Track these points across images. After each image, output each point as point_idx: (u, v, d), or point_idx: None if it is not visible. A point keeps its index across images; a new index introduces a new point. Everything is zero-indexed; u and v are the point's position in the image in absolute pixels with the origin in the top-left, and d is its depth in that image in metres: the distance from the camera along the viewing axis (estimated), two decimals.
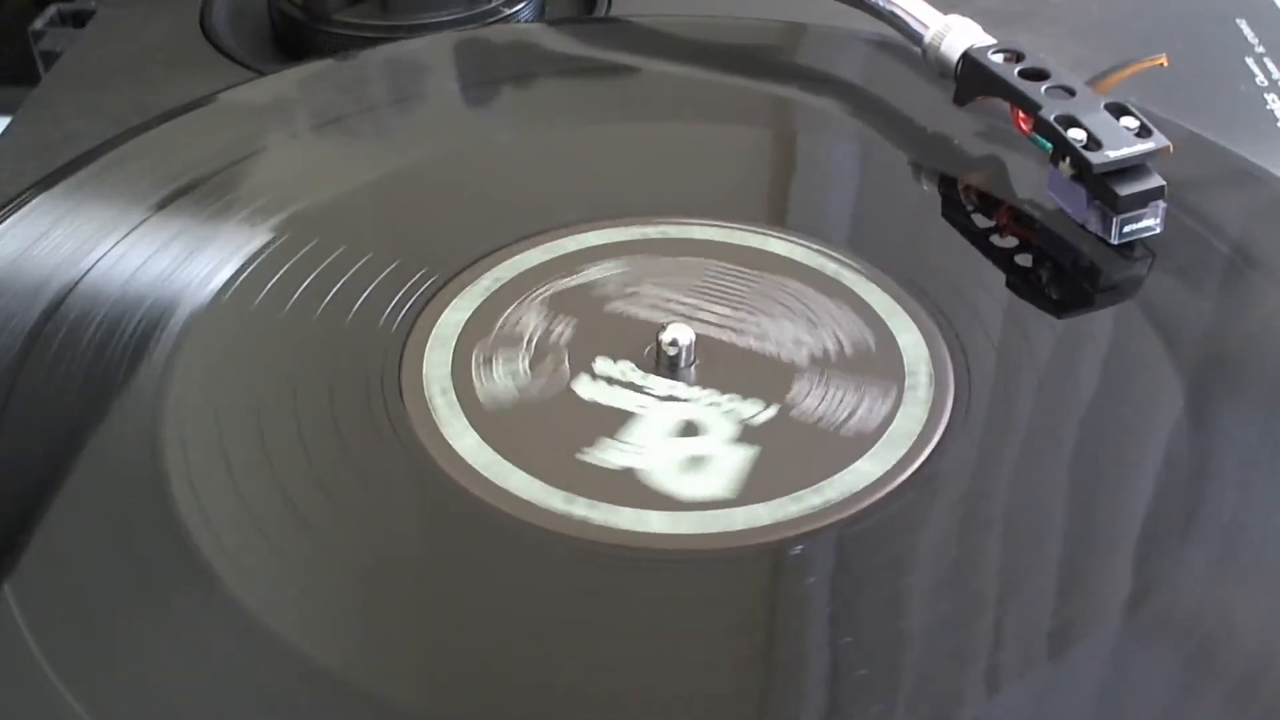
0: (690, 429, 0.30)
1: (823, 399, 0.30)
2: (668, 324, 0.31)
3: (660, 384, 0.31)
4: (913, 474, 0.29)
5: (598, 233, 0.36)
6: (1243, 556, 0.27)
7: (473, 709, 0.25)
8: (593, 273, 0.34)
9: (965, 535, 0.28)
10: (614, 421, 0.30)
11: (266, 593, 0.26)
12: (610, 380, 0.31)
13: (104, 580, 0.26)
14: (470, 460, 0.29)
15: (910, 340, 0.32)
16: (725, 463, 0.29)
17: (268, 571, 0.27)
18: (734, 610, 0.26)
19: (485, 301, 0.33)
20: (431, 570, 0.28)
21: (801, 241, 0.36)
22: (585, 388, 0.31)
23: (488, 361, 0.32)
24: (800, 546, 0.27)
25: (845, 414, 0.30)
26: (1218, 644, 0.25)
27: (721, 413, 0.30)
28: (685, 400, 0.31)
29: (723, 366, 0.31)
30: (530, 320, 0.33)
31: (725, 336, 0.32)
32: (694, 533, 0.27)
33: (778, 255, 0.35)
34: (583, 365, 0.32)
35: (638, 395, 0.31)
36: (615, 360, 0.32)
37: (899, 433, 0.30)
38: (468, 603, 0.26)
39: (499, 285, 0.34)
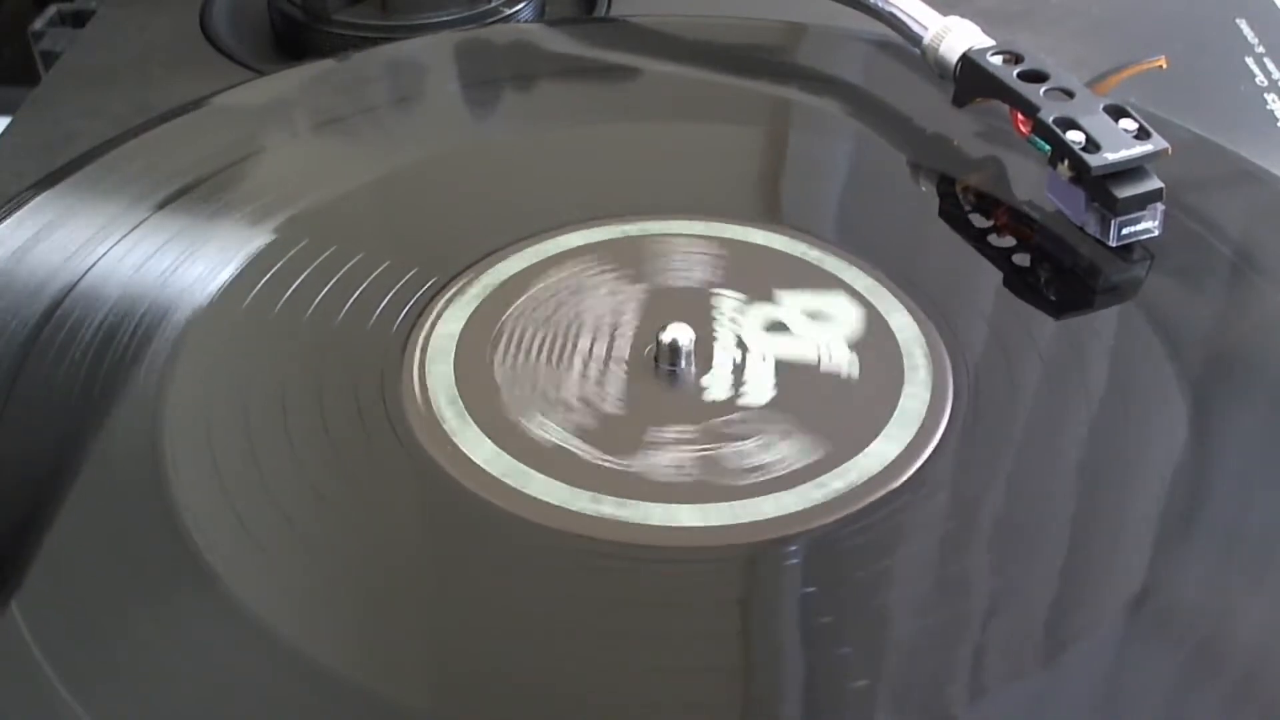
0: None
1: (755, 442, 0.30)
2: (667, 324, 0.32)
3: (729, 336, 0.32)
4: (913, 474, 0.29)
5: (597, 233, 0.36)
6: (1243, 557, 0.27)
7: (474, 710, 0.25)
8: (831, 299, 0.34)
9: (966, 538, 0.28)
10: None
11: (267, 594, 0.26)
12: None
13: (104, 581, 0.26)
14: (473, 458, 0.29)
15: (909, 339, 0.32)
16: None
17: (268, 572, 0.27)
18: (736, 610, 0.26)
19: (485, 301, 0.33)
20: (431, 569, 0.28)
21: (800, 241, 0.36)
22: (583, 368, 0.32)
23: (504, 326, 0.32)
24: (796, 546, 0.27)
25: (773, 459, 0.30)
26: (1217, 644, 0.25)
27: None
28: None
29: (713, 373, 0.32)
30: (560, 295, 0.34)
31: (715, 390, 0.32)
32: (693, 526, 0.27)
33: (777, 253, 0.35)
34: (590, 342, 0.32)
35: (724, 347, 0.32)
36: (615, 347, 0.32)
37: (899, 430, 0.30)
38: (467, 602, 0.26)
39: (499, 285, 0.34)
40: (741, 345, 0.32)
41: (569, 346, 0.32)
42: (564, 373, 0.31)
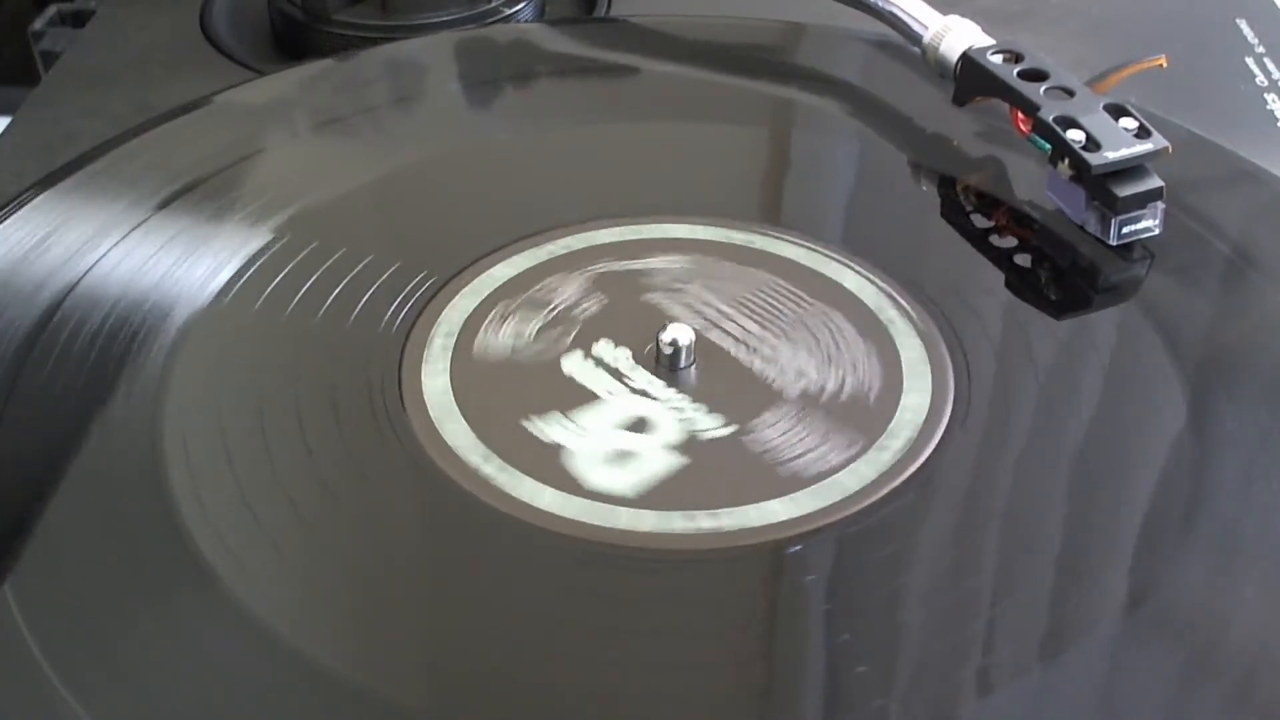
0: (639, 425, 0.30)
1: (784, 434, 0.30)
2: (668, 323, 0.32)
3: (642, 377, 0.31)
4: (914, 473, 0.29)
5: (597, 232, 0.36)
6: (1243, 556, 0.27)
7: (473, 710, 0.25)
8: (654, 262, 0.34)
9: (965, 538, 0.28)
10: (576, 400, 0.31)
11: (266, 593, 0.26)
12: (599, 362, 0.31)
13: (104, 581, 0.26)
14: (471, 459, 0.29)
15: (909, 340, 0.32)
16: (647, 465, 0.29)
17: (267, 572, 0.27)
18: (733, 611, 0.26)
19: (484, 301, 0.33)
20: (431, 570, 0.28)
21: (799, 241, 0.36)
22: (573, 363, 0.31)
23: (505, 318, 0.32)
24: (798, 547, 0.27)
25: (796, 453, 0.29)
26: (1217, 643, 0.25)
27: (678, 419, 0.30)
28: (654, 398, 0.31)
29: (713, 378, 0.31)
30: (567, 291, 0.33)
31: (735, 350, 0.32)
32: (686, 532, 0.27)
33: (775, 255, 0.35)
34: (585, 343, 0.32)
35: (614, 382, 0.31)
36: (616, 346, 0.32)
37: (899, 431, 0.30)
38: (467, 602, 0.26)
39: (498, 285, 0.34)
40: (740, 341, 0.32)
41: (569, 347, 0.32)
42: (563, 371, 0.31)
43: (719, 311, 0.33)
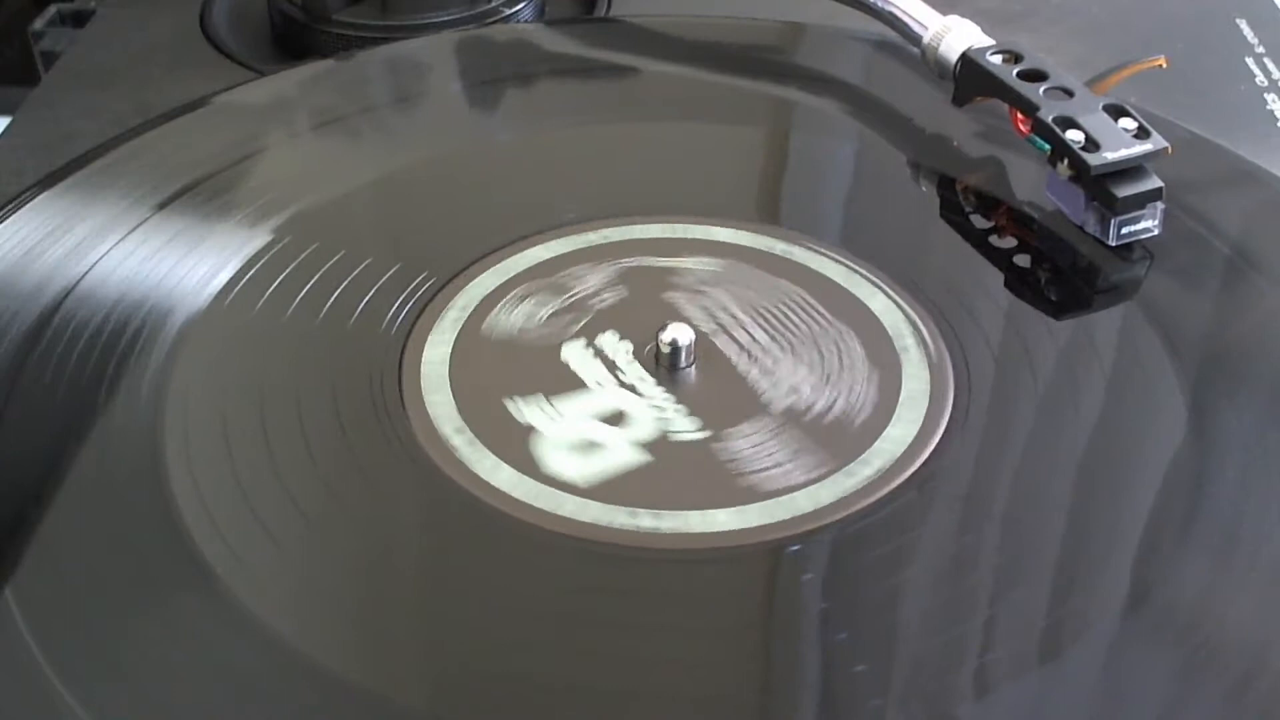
0: (616, 419, 0.30)
1: (755, 446, 0.30)
2: (669, 323, 0.32)
3: (634, 373, 0.31)
4: (913, 473, 0.29)
5: (597, 233, 0.36)
6: (1242, 557, 0.27)
7: (473, 710, 0.25)
8: (686, 261, 0.35)
9: (965, 539, 0.28)
10: (564, 386, 0.31)
11: (266, 593, 0.26)
12: (598, 353, 0.32)
13: (104, 581, 0.26)
14: (472, 459, 0.29)
15: (908, 340, 0.32)
16: (610, 458, 0.29)
17: (267, 572, 0.27)
18: (733, 610, 0.26)
19: (484, 301, 0.33)
20: (430, 569, 0.28)
21: (799, 241, 0.36)
22: (573, 351, 0.32)
23: (522, 299, 0.33)
24: (798, 546, 0.27)
25: (760, 467, 0.29)
26: (1216, 644, 0.25)
27: (655, 417, 0.30)
28: (639, 394, 0.31)
29: (706, 381, 0.31)
30: (591, 280, 0.34)
31: (736, 358, 0.32)
32: (687, 531, 0.27)
33: (808, 268, 0.35)
34: (590, 332, 0.32)
35: (606, 374, 0.31)
36: (620, 339, 0.32)
37: (898, 432, 0.30)
38: (467, 603, 0.26)
39: (499, 285, 0.34)
40: (744, 350, 0.32)
41: (574, 334, 0.32)
42: (563, 371, 0.31)
43: (733, 318, 0.33)
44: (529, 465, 0.29)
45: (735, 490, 0.28)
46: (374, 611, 0.26)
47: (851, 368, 0.32)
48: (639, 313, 0.33)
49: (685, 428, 0.30)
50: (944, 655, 0.25)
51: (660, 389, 0.31)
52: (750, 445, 0.29)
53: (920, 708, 0.24)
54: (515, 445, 0.29)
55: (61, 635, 0.25)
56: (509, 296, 0.33)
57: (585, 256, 0.35)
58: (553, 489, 0.28)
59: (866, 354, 0.32)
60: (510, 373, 0.31)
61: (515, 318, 0.33)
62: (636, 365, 0.32)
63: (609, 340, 0.32)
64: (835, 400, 0.31)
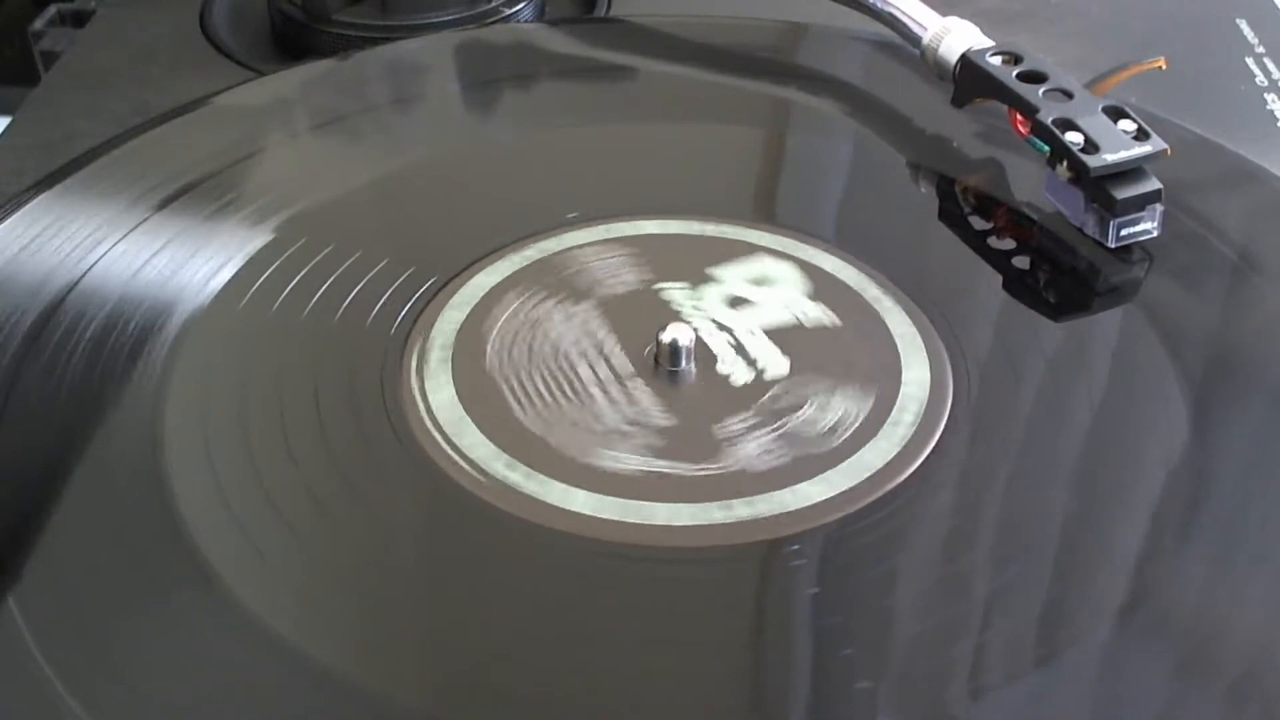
0: (611, 414, 0.30)
1: (749, 445, 0.30)
2: (669, 324, 0.32)
3: (632, 370, 0.32)
4: (913, 474, 0.29)
5: (596, 232, 0.36)
6: (1243, 557, 0.27)
7: (474, 710, 0.25)
8: (689, 261, 0.35)
9: (964, 539, 0.28)
10: (560, 380, 0.31)
11: (266, 593, 0.26)
12: (598, 349, 0.32)
13: (104, 581, 0.26)
14: (472, 458, 0.29)
15: (908, 341, 0.32)
16: (603, 453, 0.29)
17: (267, 572, 0.27)
18: (734, 610, 0.26)
19: (484, 301, 0.33)
20: (431, 569, 0.28)
21: (799, 241, 0.36)
22: (574, 345, 0.32)
23: (524, 298, 0.33)
24: (798, 546, 0.27)
25: (752, 466, 0.29)
26: (1216, 645, 0.25)
27: (651, 415, 0.30)
28: (634, 393, 0.31)
29: (702, 382, 0.31)
30: (594, 279, 0.34)
31: (735, 359, 0.32)
32: (691, 525, 0.28)
33: (775, 254, 0.35)
34: (592, 329, 0.33)
35: (605, 370, 0.32)
36: (622, 337, 0.33)
37: (897, 431, 0.30)
38: (467, 603, 0.26)
39: (498, 285, 0.34)
40: (724, 328, 0.33)
41: (569, 347, 0.32)
42: (565, 373, 0.31)
43: (735, 318, 0.33)
44: (511, 445, 0.29)
45: (723, 488, 0.28)
46: (374, 611, 0.26)
47: (850, 369, 0.32)
48: (641, 312, 0.33)
49: (678, 426, 0.30)
50: (944, 657, 0.25)
51: (656, 388, 0.31)
52: (743, 444, 0.29)
53: (920, 709, 0.24)
54: (513, 437, 0.29)
55: (62, 635, 0.25)
56: (509, 296, 0.33)
57: (585, 256, 0.35)
58: (528, 470, 0.29)
59: (866, 356, 0.32)
60: (510, 367, 0.31)
61: (517, 315, 0.33)
62: (636, 363, 0.32)
63: (611, 337, 0.32)
64: (831, 401, 0.31)
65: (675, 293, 0.34)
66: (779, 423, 0.30)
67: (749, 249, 0.35)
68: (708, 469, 0.29)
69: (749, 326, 0.33)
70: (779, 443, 0.30)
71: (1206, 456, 0.29)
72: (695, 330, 0.32)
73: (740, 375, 0.31)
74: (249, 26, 0.51)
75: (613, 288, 0.34)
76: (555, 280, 0.34)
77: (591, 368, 0.32)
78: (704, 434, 0.30)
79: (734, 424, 0.30)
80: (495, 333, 0.33)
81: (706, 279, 0.34)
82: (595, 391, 0.31)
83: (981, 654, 0.25)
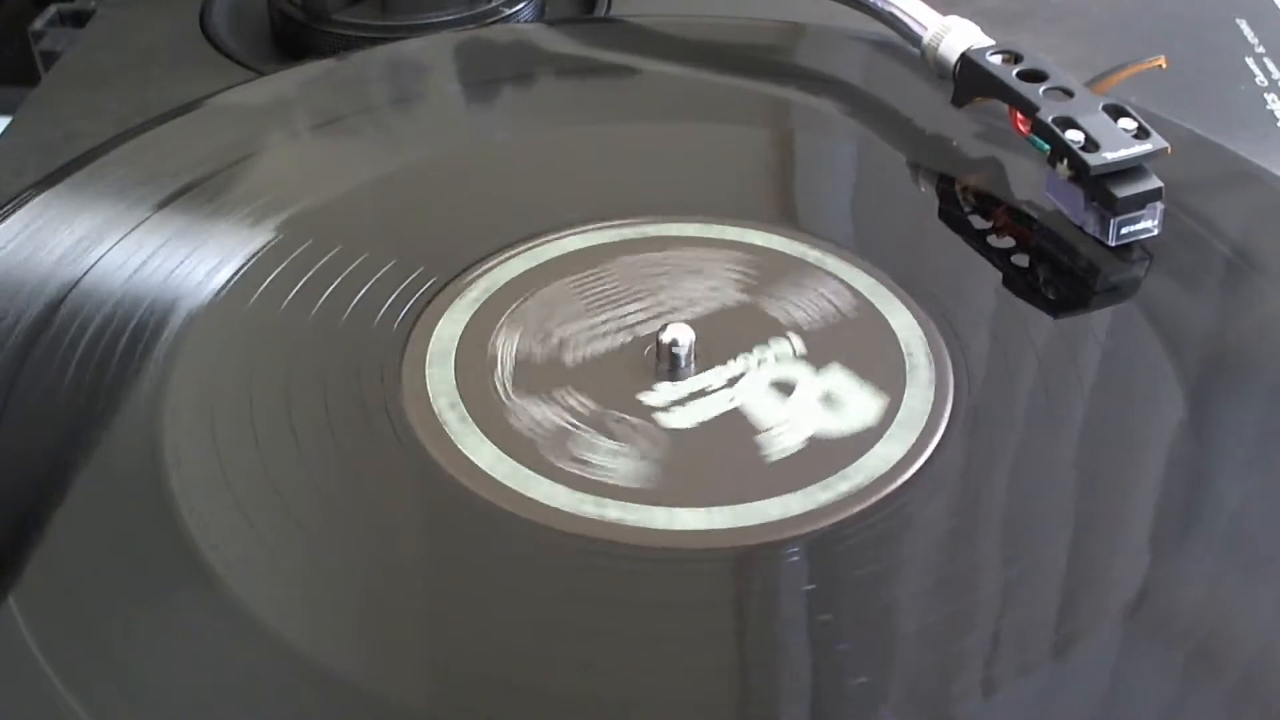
0: (602, 411, 0.30)
1: (741, 451, 0.29)
2: (669, 324, 0.32)
3: (630, 368, 0.32)
4: (913, 474, 0.29)
5: (597, 234, 0.36)
6: (1243, 558, 0.27)
7: (473, 709, 0.25)
8: (696, 261, 0.35)
9: (966, 538, 0.28)
10: (558, 375, 0.32)
11: (267, 593, 0.26)
12: (600, 345, 0.32)
13: (104, 581, 0.26)
14: (473, 459, 0.29)
15: (909, 340, 0.32)
16: (592, 449, 0.29)
17: (268, 572, 0.27)
18: (737, 610, 0.26)
19: (486, 302, 0.33)
20: (431, 569, 0.28)
21: (799, 241, 0.36)
22: (575, 341, 0.32)
23: (524, 295, 0.34)
24: (796, 547, 0.27)
25: (741, 472, 0.29)
26: (1217, 644, 0.25)
27: (643, 414, 0.30)
28: (630, 391, 0.31)
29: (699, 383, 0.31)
30: (598, 276, 0.34)
31: (736, 361, 0.32)
32: (698, 529, 0.28)
33: (775, 254, 0.35)
34: (595, 327, 0.33)
35: (604, 367, 0.32)
36: (624, 335, 0.33)
37: (901, 431, 0.30)
38: (468, 602, 0.26)
39: (500, 286, 0.34)
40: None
41: (569, 347, 0.32)
42: (565, 373, 0.31)
43: (740, 321, 0.33)
44: (512, 447, 0.29)
45: (708, 492, 0.28)
46: (375, 611, 0.26)
47: (850, 369, 0.32)
48: (642, 312, 0.33)
49: (670, 427, 0.30)
50: (944, 657, 0.25)
51: (652, 386, 0.31)
52: (735, 450, 0.29)
53: (920, 708, 0.24)
54: (514, 438, 0.29)
55: (62, 635, 0.25)
56: (508, 296, 0.33)
57: (585, 256, 0.35)
58: (529, 472, 0.29)
59: (865, 355, 0.32)
60: (510, 367, 0.31)
61: (516, 315, 0.33)
62: (636, 364, 0.32)
63: (611, 338, 0.32)
64: (827, 411, 0.31)
65: (688, 295, 0.34)
66: (779, 424, 0.30)
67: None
68: (708, 469, 0.29)
69: (759, 333, 0.33)
70: (780, 444, 0.30)
71: (1206, 456, 0.29)
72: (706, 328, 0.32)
73: (736, 380, 0.31)
74: (249, 26, 0.51)
75: (613, 288, 0.34)
76: (555, 280, 0.34)
77: (592, 368, 0.32)
78: (704, 434, 0.30)
79: (735, 424, 0.30)
80: (495, 333, 0.33)
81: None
82: (596, 391, 0.31)
83: (981, 654, 0.25)
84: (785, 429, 0.30)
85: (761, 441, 0.30)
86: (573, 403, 0.31)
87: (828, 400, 0.31)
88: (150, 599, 0.26)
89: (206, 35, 0.49)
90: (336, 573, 0.27)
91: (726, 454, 0.29)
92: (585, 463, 0.29)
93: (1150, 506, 0.28)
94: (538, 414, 0.30)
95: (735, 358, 0.32)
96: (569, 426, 0.30)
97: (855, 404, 0.31)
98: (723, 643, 0.26)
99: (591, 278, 0.34)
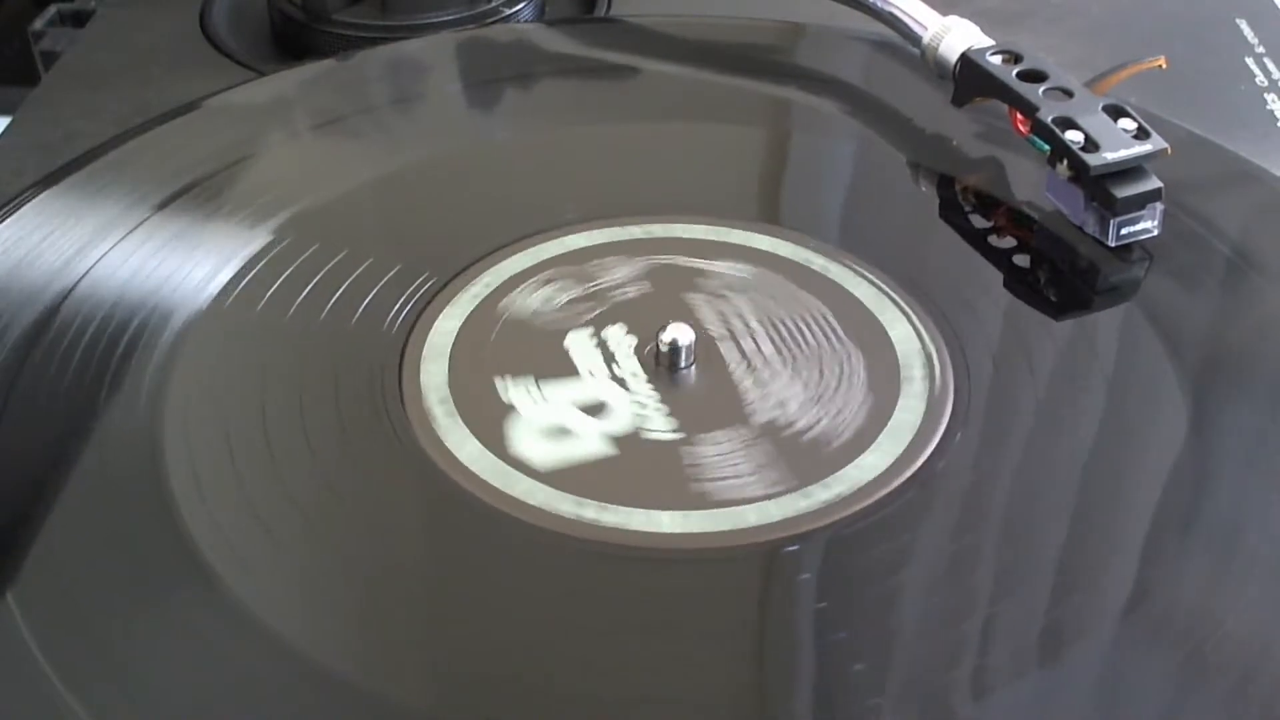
0: (595, 409, 0.30)
1: (723, 455, 0.29)
2: (669, 323, 0.32)
3: (629, 367, 0.31)
4: (913, 475, 0.29)
5: (596, 233, 0.36)
6: (1243, 557, 0.27)
7: (473, 709, 0.25)
8: (718, 265, 0.35)
9: (967, 536, 0.28)
10: (556, 371, 0.31)
11: (266, 593, 0.26)
12: (601, 344, 0.32)
13: (104, 581, 0.26)
14: (470, 459, 0.29)
15: (908, 340, 0.32)
16: (576, 447, 0.29)
17: (267, 571, 0.27)
18: (736, 609, 0.26)
19: (484, 301, 0.33)
20: (430, 569, 0.28)
21: (798, 241, 0.36)
22: (577, 339, 0.32)
23: (548, 282, 0.33)
24: (797, 546, 0.27)
25: (720, 475, 0.29)
26: (1216, 644, 0.25)
27: (635, 413, 0.30)
28: (626, 389, 0.31)
29: (698, 385, 0.31)
30: (620, 272, 0.34)
31: (735, 365, 0.32)
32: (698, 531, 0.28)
33: (774, 254, 0.35)
34: (600, 323, 0.33)
35: (602, 365, 0.31)
36: (627, 333, 0.32)
37: (900, 426, 0.30)
38: (466, 602, 0.26)
39: (498, 285, 0.34)
40: (728, 329, 0.33)
41: (569, 347, 0.32)
42: (564, 345, 0.31)
43: (746, 326, 0.33)
44: (495, 443, 0.29)
45: (686, 496, 0.28)
46: (374, 610, 0.26)
47: (848, 390, 0.31)
48: (652, 310, 0.33)
49: (660, 427, 0.30)
50: (944, 657, 0.25)
51: (650, 387, 0.31)
52: (719, 453, 0.29)
53: (920, 708, 0.24)
54: (489, 422, 0.30)
55: (61, 635, 0.25)
56: (508, 296, 0.33)
57: (584, 256, 0.35)
58: (510, 469, 0.29)
59: (868, 381, 0.31)
60: (510, 352, 0.32)
61: (534, 300, 0.33)
62: (634, 360, 0.32)
63: (616, 333, 0.32)
64: (819, 420, 0.30)
65: (696, 296, 0.34)
66: (779, 425, 0.30)
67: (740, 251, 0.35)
68: (708, 470, 0.29)
69: (750, 327, 0.33)
70: (779, 446, 0.30)
71: (1206, 456, 0.29)
72: (709, 330, 0.32)
73: (734, 384, 0.31)
74: (249, 26, 0.51)
75: (612, 288, 0.34)
76: (555, 280, 0.34)
77: (592, 368, 0.32)
78: (704, 436, 0.30)
79: (735, 426, 0.30)
80: (494, 333, 0.33)
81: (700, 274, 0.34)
82: (596, 392, 0.31)
83: (981, 654, 0.25)
84: (769, 433, 0.30)
85: (743, 447, 0.30)
86: (552, 370, 0.31)
87: (816, 403, 0.31)
88: (150, 599, 0.26)
89: (206, 35, 0.49)
90: (335, 572, 0.27)
91: (709, 458, 0.29)
92: (491, 381, 0.29)
93: (1151, 506, 0.28)
94: (521, 331, 0.30)
95: (727, 361, 0.32)
96: (532, 390, 0.30)
97: (847, 409, 0.31)
98: (721, 644, 0.26)
99: (590, 277, 0.34)
